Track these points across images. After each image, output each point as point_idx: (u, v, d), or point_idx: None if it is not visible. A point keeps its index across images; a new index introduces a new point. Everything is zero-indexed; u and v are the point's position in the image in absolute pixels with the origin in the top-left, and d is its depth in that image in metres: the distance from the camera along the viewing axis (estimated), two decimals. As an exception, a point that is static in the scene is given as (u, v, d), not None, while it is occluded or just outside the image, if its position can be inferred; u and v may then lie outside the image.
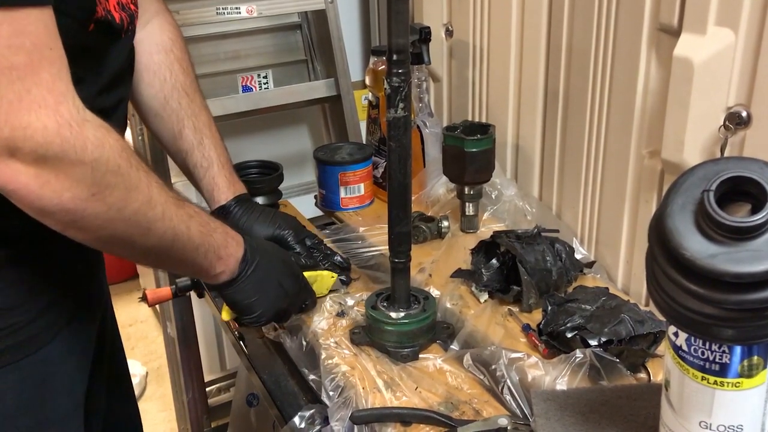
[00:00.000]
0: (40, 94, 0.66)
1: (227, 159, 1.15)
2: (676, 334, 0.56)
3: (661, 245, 0.52)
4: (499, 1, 1.44)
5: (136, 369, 2.68)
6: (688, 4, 1.00)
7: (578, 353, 0.94)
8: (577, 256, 1.25)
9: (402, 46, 0.94)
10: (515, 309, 1.15)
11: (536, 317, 1.12)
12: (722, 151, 1.00)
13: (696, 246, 0.49)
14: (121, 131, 0.99)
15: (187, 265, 0.91)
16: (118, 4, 0.84)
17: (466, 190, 1.38)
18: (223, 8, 1.61)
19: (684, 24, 1.01)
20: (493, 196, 1.45)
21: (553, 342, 1.02)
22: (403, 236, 1.04)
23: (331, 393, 0.99)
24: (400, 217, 1.03)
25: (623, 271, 1.25)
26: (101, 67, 0.88)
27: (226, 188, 1.14)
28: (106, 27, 0.83)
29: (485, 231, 1.41)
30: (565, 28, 1.29)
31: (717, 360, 0.54)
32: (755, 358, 0.54)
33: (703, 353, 0.54)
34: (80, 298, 0.96)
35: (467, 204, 1.40)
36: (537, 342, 1.05)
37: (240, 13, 1.63)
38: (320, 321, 1.12)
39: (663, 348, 1.00)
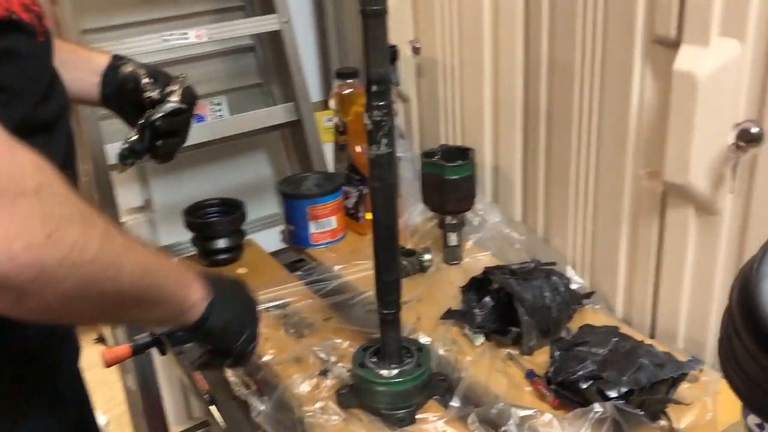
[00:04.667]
0: None
1: None
2: (761, 426, 0.46)
3: (748, 316, 0.42)
4: (469, 15, 1.34)
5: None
6: (688, 14, 0.92)
7: (597, 407, 0.85)
8: (572, 286, 1.16)
9: (382, 76, 0.83)
10: (514, 352, 1.05)
11: (538, 360, 1.03)
12: (734, 171, 0.92)
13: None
14: (69, 148, 0.86)
15: (163, 303, 0.75)
16: (21, 4, 0.72)
17: (448, 219, 1.28)
18: (169, 35, 1.48)
19: (684, 35, 0.93)
20: (476, 223, 1.36)
21: (564, 392, 0.92)
22: (392, 285, 0.93)
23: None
24: (388, 263, 0.92)
25: (623, 299, 1.17)
26: (34, 73, 0.75)
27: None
28: (17, 28, 0.70)
29: (470, 261, 1.32)
30: (544, 41, 1.20)
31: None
32: None
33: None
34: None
35: (449, 234, 1.30)
36: (545, 392, 0.95)
37: (188, 38, 1.50)
38: (301, 382, 1.00)
39: (681, 391, 0.92)
